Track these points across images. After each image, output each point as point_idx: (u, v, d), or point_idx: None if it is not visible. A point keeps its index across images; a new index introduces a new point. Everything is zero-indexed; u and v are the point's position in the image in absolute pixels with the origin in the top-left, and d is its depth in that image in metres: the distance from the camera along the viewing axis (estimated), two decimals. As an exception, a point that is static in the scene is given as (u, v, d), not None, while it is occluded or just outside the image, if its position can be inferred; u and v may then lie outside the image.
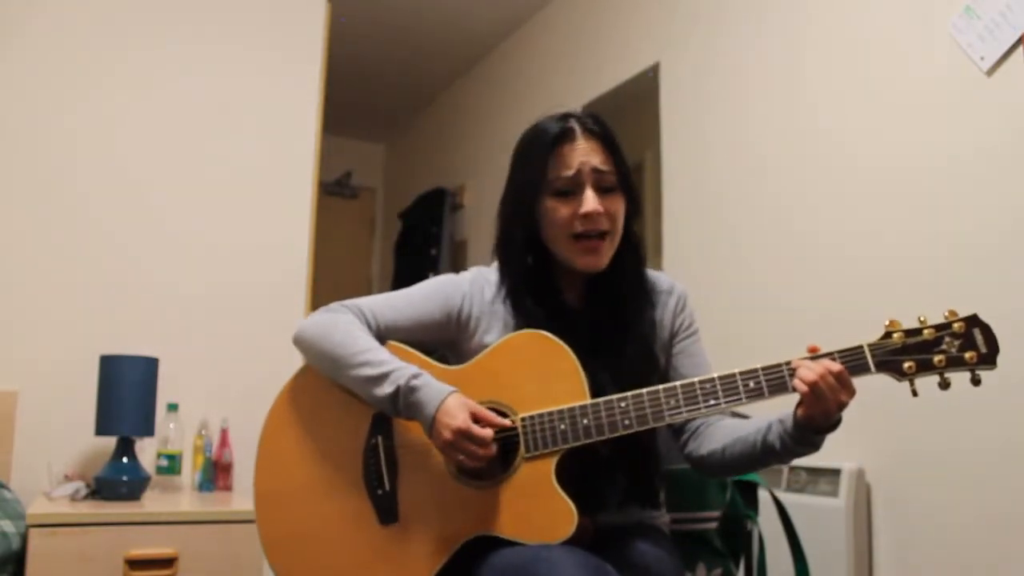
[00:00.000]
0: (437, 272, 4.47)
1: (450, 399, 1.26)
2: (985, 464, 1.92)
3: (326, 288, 3.14)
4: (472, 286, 1.43)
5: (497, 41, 4.36)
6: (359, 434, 1.37)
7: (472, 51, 4.49)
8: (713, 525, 1.59)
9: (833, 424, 1.23)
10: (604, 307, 1.40)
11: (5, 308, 2.58)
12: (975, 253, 1.98)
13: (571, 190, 1.34)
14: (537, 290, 1.39)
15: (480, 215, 4.36)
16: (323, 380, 1.41)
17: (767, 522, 1.65)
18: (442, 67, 4.71)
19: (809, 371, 1.18)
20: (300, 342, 1.42)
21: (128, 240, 2.75)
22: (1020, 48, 1.92)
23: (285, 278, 2.95)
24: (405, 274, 4.86)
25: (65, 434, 2.55)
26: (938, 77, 2.10)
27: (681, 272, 2.92)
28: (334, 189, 5.60)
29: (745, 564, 1.63)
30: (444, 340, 1.45)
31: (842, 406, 1.19)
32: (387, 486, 1.33)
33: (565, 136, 1.35)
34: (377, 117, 5.53)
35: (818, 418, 1.20)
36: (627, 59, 3.29)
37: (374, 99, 5.18)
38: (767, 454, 1.29)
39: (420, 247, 4.75)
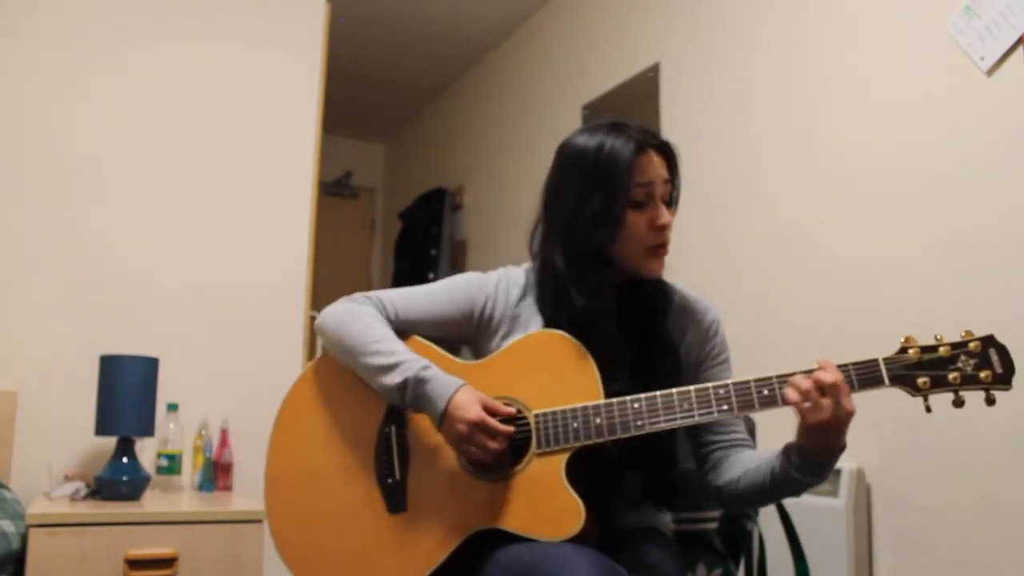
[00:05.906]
0: (437, 272, 4.47)
1: (461, 392, 1.27)
2: (985, 464, 1.92)
3: (326, 288, 3.14)
4: (498, 287, 1.43)
5: (497, 41, 4.36)
6: (373, 423, 1.38)
7: (472, 51, 4.49)
8: (713, 525, 1.59)
9: (838, 449, 1.21)
10: (635, 320, 1.39)
11: (5, 308, 2.58)
12: (975, 254, 1.98)
13: (644, 201, 1.33)
14: (571, 298, 1.35)
15: (480, 215, 4.36)
16: (341, 368, 1.42)
17: (767, 522, 1.65)
18: (442, 67, 4.71)
19: (793, 390, 1.16)
20: (320, 329, 1.44)
21: (128, 240, 2.75)
22: (1020, 48, 1.92)
23: (285, 278, 2.95)
24: (405, 274, 4.85)
25: (65, 434, 2.55)
26: (938, 77, 2.10)
27: (681, 272, 2.91)
28: (334, 189, 5.60)
29: (745, 564, 1.63)
30: (465, 338, 1.45)
31: (841, 421, 1.16)
32: (397, 475, 1.34)
33: (641, 148, 1.33)
34: (377, 117, 5.53)
35: (816, 438, 1.18)
36: (627, 59, 3.29)
37: (374, 99, 5.18)
38: (776, 483, 1.28)
39: (420, 247, 4.74)
